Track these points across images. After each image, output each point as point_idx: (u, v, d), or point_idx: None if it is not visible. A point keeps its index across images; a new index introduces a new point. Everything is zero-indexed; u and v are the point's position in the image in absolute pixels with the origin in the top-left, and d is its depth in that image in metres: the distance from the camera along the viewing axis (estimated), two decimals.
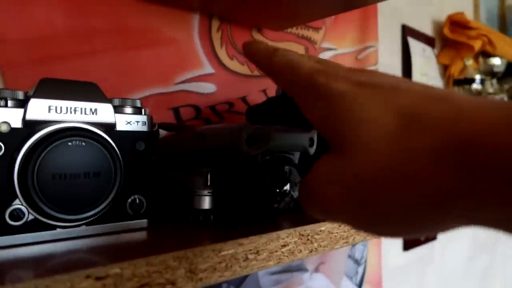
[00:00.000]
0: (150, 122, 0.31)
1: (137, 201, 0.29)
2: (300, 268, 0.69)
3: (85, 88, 0.27)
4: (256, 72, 0.65)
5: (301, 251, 0.32)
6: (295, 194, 0.31)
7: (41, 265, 0.22)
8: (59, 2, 0.45)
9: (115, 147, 0.28)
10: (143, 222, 0.30)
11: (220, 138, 0.31)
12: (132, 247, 0.26)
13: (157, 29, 0.54)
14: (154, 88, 0.54)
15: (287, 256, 0.31)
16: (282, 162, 0.31)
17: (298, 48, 0.71)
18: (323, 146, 0.38)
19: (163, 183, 0.36)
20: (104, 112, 0.28)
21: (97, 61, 0.48)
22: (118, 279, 0.21)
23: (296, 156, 0.34)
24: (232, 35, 0.63)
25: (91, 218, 0.27)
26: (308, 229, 0.32)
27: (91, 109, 0.27)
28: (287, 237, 0.31)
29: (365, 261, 0.83)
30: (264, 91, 0.66)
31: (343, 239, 0.36)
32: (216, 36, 0.61)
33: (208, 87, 0.59)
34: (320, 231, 0.34)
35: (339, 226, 0.35)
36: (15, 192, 0.24)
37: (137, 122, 0.30)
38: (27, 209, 0.25)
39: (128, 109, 0.30)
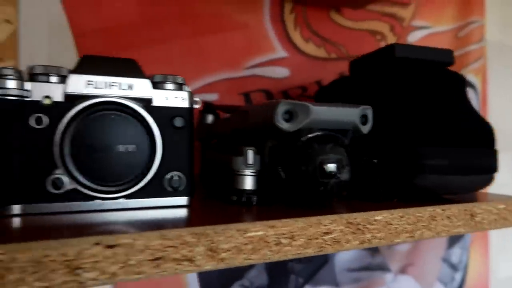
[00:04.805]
0: (191, 98, 0.30)
1: (176, 177, 0.29)
2: (381, 268, 0.63)
3: (123, 64, 0.28)
4: (334, 55, 0.61)
5: (349, 241, 0.28)
6: (343, 176, 0.28)
7: (72, 232, 0.23)
8: None
9: (151, 122, 0.28)
10: (183, 199, 0.30)
11: (260, 115, 0.29)
12: (165, 222, 0.26)
13: (227, 14, 0.54)
14: (224, 73, 0.54)
15: (330, 245, 0.28)
16: (327, 140, 0.28)
17: (382, 27, 0.65)
18: (381, 124, 0.34)
19: (211, 163, 0.36)
20: (140, 87, 0.28)
21: (168, 47, 0.50)
22: (129, 250, 0.21)
23: (347, 136, 0.30)
24: (307, 16, 0.60)
25: (128, 192, 0.27)
26: (359, 217, 0.29)
27: (127, 84, 0.27)
28: (331, 223, 0.27)
29: (465, 267, 0.73)
30: (341, 74, 0.61)
31: (406, 232, 0.31)
32: (289, 19, 0.58)
33: (280, 72, 0.58)
34: (375, 220, 0.29)
35: (401, 217, 0.31)
36: (55, 162, 0.26)
37: (176, 98, 0.29)
38: (66, 178, 0.26)
39: (169, 85, 0.29)
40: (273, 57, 0.57)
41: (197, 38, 0.52)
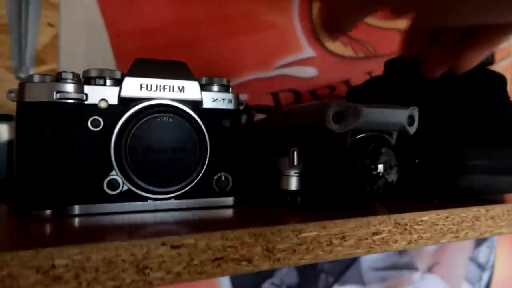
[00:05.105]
0: (237, 100, 0.31)
1: (223, 178, 0.30)
2: (409, 267, 0.63)
3: (174, 67, 0.28)
4: (361, 54, 0.61)
5: (397, 241, 0.29)
6: (390, 177, 0.28)
7: (131, 232, 0.23)
8: None
9: (201, 124, 0.28)
10: (229, 199, 0.30)
11: (307, 116, 0.29)
12: (216, 222, 0.27)
13: (256, 14, 0.54)
14: (254, 73, 0.54)
15: (379, 246, 0.28)
16: (375, 141, 0.28)
17: None
18: (426, 126, 0.34)
19: (253, 163, 0.36)
20: (191, 90, 0.28)
21: (199, 48, 0.50)
22: (192, 250, 0.22)
23: (393, 137, 0.30)
24: None
25: (179, 192, 0.28)
26: (406, 217, 0.29)
27: (178, 87, 0.28)
28: (380, 224, 0.28)
29: (492, 267, 0.73)
30: (369, 73, 0.61)
31: (451, 232, 0.31)
32: (317, 18, 0.59)
33: (308, 71, 0.58)
34: (422, 221, 0.30)
35: (446, 217, 0.31)
36: (112, 163, 0.26)
37: (223, 99, 0.30)
38: (121, 180, 0.26)
39: (215, 87, 0.30)
40: (301, 57, 0.57)
41: (228, 39, 0.52)
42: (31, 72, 0.40)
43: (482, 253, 0.71)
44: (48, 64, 0.40)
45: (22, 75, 0.39)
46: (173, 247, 0.21)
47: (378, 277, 0.61)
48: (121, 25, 0.46)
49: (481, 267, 0.70)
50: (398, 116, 0.28)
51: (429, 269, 0.65)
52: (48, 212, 0.24)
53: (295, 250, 0.25)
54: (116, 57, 0.46)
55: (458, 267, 0.68)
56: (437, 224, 0.30)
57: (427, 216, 0.30)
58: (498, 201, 0.35)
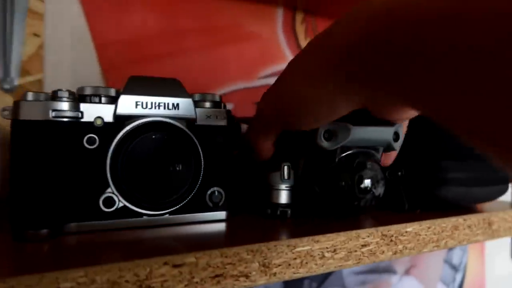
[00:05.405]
0: (229, 116, 0.31)
1: (216, 193, 0.30)
2: (388, 270, 0.65)
3: (168, 84, 0.29)
4: None
5: (383, 252, 0.30)
6: (377, 191, 0.30)
7: (129, 249, 0.24)
8: (152, 4, 0.48)
9: (195, 141, 0.29)
10: (222, 214, 0.31)
11: (298, 132, 0.30)
12: (211, 238, 0.27)
13: (241, 25, 0.55)
14: (238, 83, 0.55)
15: (367, 257, 0.29)
16: (363, 157, 0.30)
17: None
18: (410, 141, 0.35)
19: (242, 176, 0.37)
20: (185, 107, 0.29)
21: (185, 59, 0.51)
22: (193, 268, 0.22)
23: (379, 152, 0.32)
24: (317, 27, 0.61)
25: (174, 208, 0.28)
26: (392, 229, 0.30)
27: (173, 104, 0.28)
28: (368, 236, 0.29)
29: (465, 268, 0.76)
30: None
31: (432, 242, 0.33)
32: (300, 29, 0.60)
33: None
34: (406, 232, 0.31)
35: (428, 228, 0.32)
36: (108, 181, 0.26)
37: (216, 116, 0.30)
38: (117, 197, 0.27)
39: (208, 104, 0.30)
40: (284, 67, 0.58)
41: (213, 49, 0.53)
42: (16, 83, 0.39)
43: (456, 255, 0.74)
44: (33, 74, 0.40)
45: (7, 86, 0.38)
46: (175, 266, 0.22)
47: (358, 281, 0.62)
48: (107, 35, 0.45)
49: (455, 268, 0.74)
50: (385, 133, 0.29)
51: (407, 272, 0.68)
52: (44, 231, 0.24)
53: (289, 264, 0.26)
54: (102, 67, 0.45)
55: (433, 269, 0.71)
56: (420, 235, 0.32)
57: (411, 227, 0.31)
58: (474, 210, 0.38)
